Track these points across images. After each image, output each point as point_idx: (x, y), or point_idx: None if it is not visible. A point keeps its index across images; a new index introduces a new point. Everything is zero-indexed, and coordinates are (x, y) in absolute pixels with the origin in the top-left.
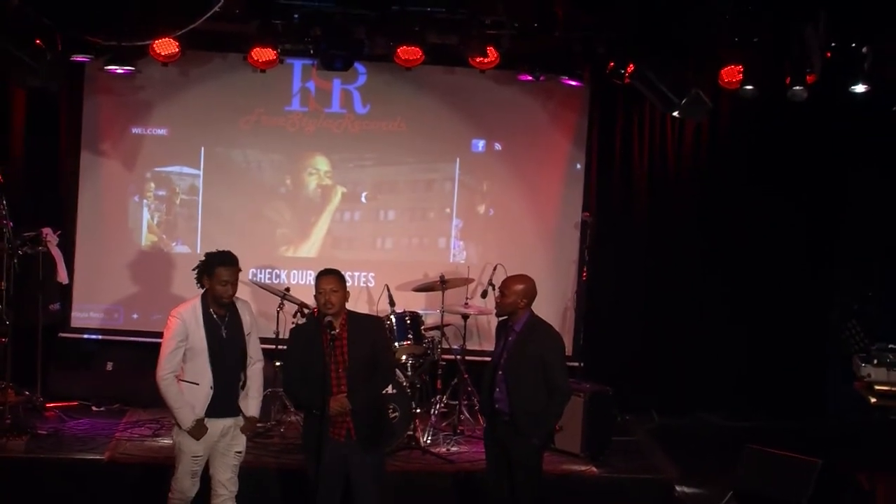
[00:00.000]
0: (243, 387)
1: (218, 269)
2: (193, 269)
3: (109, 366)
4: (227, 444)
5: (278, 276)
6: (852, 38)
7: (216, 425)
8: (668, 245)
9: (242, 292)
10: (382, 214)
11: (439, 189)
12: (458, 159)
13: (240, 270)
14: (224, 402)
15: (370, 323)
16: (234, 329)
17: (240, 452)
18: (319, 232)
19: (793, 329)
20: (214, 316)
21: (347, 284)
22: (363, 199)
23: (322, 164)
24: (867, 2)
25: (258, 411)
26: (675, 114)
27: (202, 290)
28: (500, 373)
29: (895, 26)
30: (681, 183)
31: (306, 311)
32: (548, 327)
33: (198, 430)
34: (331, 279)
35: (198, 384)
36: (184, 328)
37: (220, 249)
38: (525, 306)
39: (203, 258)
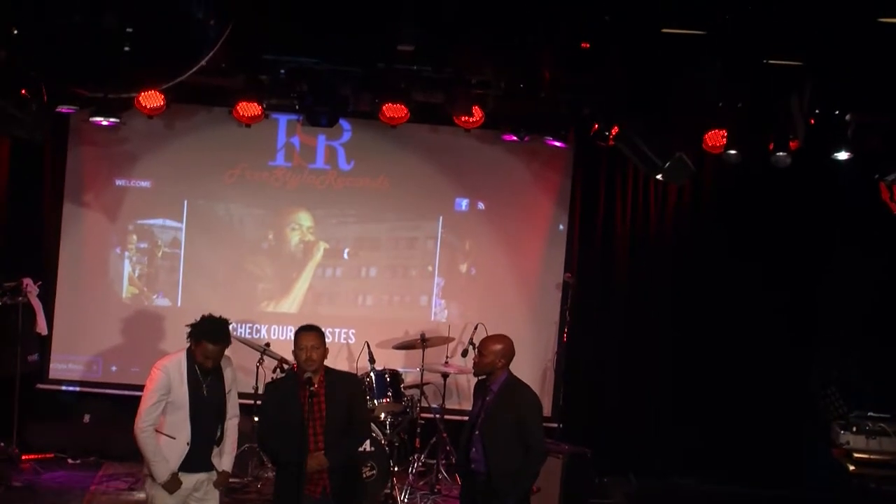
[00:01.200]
0: (219, 442)
1: (204, 343)
2: (187, 326)
3: (87, 418)
4: (200, 498)
5: (258, 331)
6: (835, 106)
7: (189, 479)
8: (648, 308)
9: None
10: (364, 271)
11: (422, 247)
12: (440, 217)
13: (229, 345)
14: (199, 456)
15: (348, 380)
16: (215, 385)
17: None
18: (301, 287)
19: (772, 395)
20: (199, 372)
21: (328, 341)
22: (345, 256)
23: (305, 219)
24: (851, 72)
25: (231, 466)
26: (659, 177)
27: (188, 345)
28: (477, 432)
29: (877, 96)
30: (662, 246)
31: (286, 366)
32: (525, 387)
33: (172, 485)
34: (312, 336)
35: (175, 438)
36: (167, 382)
37: (215, 316)
38: (503, 366)
39: (197, 321)
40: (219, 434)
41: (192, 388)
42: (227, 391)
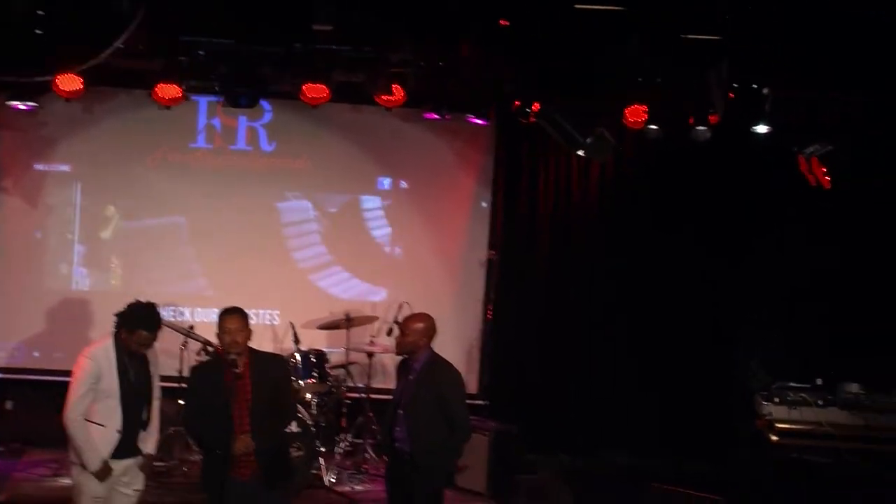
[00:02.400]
0: (145, 427)
1: (139, 331)
2: (115, 314)
3: (9, 405)
4: (127, 482)
5: (181, 314)
6: (753, 80)
7: (119, 465)
8: (571, 283)
9: None
10: (287, 252)
11: (345, 226)
12: (362, 197)
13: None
14: (128, 442)
15: (273, 361)
16: (140, 369)
17: (138, 490)
18: (224, 268)
19: (697, 368)
20: (126, 359)
21: (252, 322)
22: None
23: (227, 200)
24: (768, 45)
25: (155, 449)
26: (580, 153)
27: (114, 331)
28: (401, 411)
29: (794, 69)
30: (586, 222)
31: (210, 349)
32: (447, 365)
33: (103, 473)
34: (235, 318)
35: (105, 426)
36: (97, 370)
37: (143, 302)
38: (425, 345)
39: (127, 308)
40: (145, 418)
41: (122, 376)
42: (152, 375)
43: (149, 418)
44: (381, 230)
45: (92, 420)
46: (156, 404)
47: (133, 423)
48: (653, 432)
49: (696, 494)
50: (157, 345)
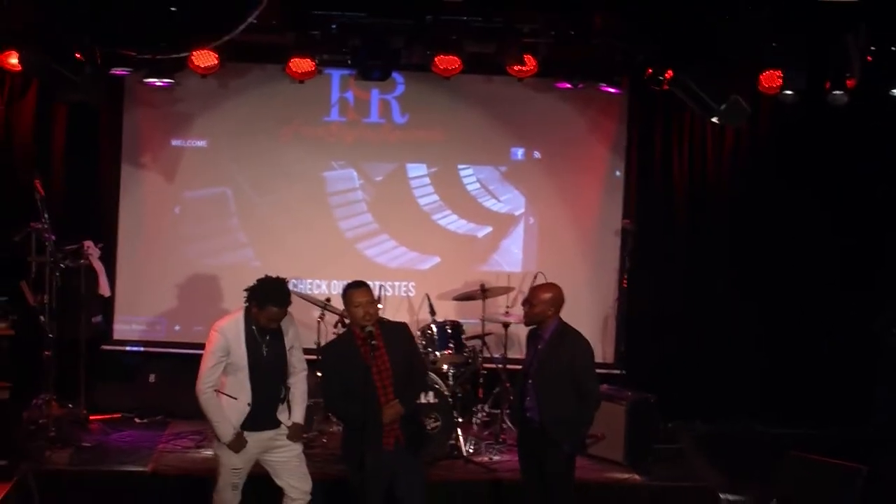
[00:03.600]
0: (284, 400)
1: (269, 307)
2: (245, 290)
3: (152, 378)
4: (282, 452)
5: (319, 287)
6: (892, 42)
7: (255, 438)
8: (708, 252)
9: None
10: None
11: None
12: (497, 167)
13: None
14: (263, 416)
15: (401, 329)
16: (276, 344)
17: (298, 455)
18: (361, 240)
19: (838, 336)
20: (257, 333)
21: (388, 294)
22: (402, 209)
23: (362, 173)
24: None
25: (302, 418)
26: (715, 120)
27: (245, 306)
28: (531, 381)
29: None
30: (721, 189)
31: (347, 321)
32: (576, 334)
33: (237, 443)
34: (364, 291)
35: (236, 399)
36: (225, 344)
37: (273, 277)
38: (553, 315)
39: (257, 284)
40: (283, 392)
41: (250, 350)
42: (288, 348)
43: (287, 392)
44: (514, 200)
45: (223, 392)
46: (301, 375)
47: (266, 396)
48: (792, 400)
49: (837, 462)
50: (295, 317)
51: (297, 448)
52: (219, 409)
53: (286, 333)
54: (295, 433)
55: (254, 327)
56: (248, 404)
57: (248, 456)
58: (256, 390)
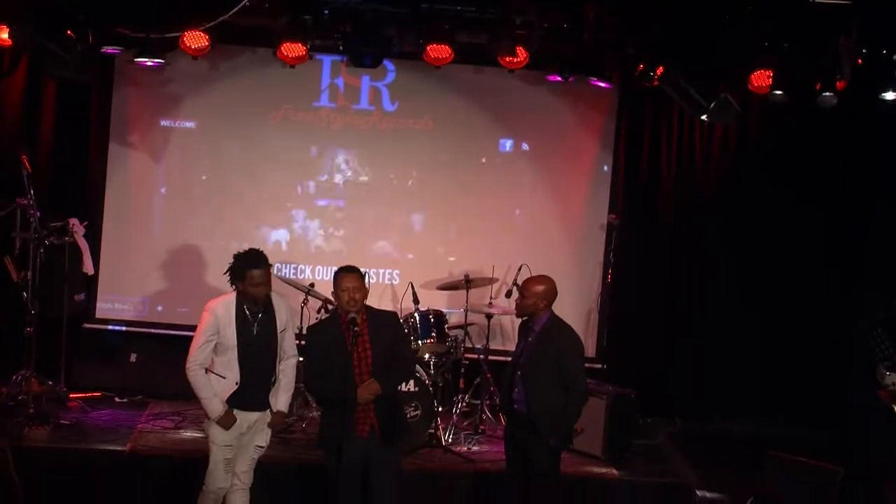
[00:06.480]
0: (275, 382)
1: (250, 272)
2: (225, 273)
3: (133, 357)
4: (250, 437)
5: (303, 272)
6: (883, 45)
7: (243, 418)
8: (693, 249)
9: None
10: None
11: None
12: (484, 159)
13: (271, 268)
14: (252, 396)
15: (388, 318)
16: (267, 326)
17: (260, 447)
18: (344, 228)
19: (818, 337)
20: (248, 313)
21: (372, 282)
22: (389, 197)
23: (349, 160)
24: None
25: (286, 406)
26: (704, 118)
27: (234, 288)
28: (519, 373)
29: None
30: (708, 187)
31: (330, 307)
32: (567, 328)
33: (226, 420)
34: (353, 276)
35: (224, 378)
36: (215, 323)
37: (247, 249)
38: (545, 307)
39: (232, 260)
40: (274, 374)
41: (240, 331)
42: (280, 330)
43: (277, 374)
44: (501, 192)
45: (213, 371)
46: (290, 362)
47: (256, 378)
48: (769, 400)
49: (814, 463)
50: (289, 304)
51: (266, 440)
52: (207, 386)
53: (279, 315)
54: (277, 420)
55: (245, 308)
56: (236, 383)
57: (237, 433)
58: (245, 370)
